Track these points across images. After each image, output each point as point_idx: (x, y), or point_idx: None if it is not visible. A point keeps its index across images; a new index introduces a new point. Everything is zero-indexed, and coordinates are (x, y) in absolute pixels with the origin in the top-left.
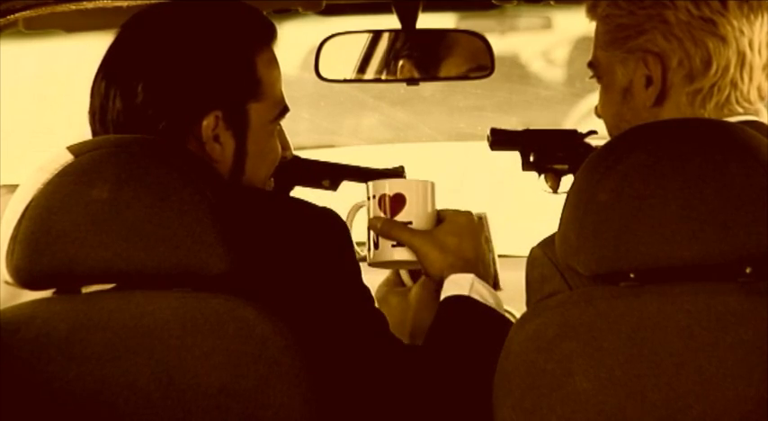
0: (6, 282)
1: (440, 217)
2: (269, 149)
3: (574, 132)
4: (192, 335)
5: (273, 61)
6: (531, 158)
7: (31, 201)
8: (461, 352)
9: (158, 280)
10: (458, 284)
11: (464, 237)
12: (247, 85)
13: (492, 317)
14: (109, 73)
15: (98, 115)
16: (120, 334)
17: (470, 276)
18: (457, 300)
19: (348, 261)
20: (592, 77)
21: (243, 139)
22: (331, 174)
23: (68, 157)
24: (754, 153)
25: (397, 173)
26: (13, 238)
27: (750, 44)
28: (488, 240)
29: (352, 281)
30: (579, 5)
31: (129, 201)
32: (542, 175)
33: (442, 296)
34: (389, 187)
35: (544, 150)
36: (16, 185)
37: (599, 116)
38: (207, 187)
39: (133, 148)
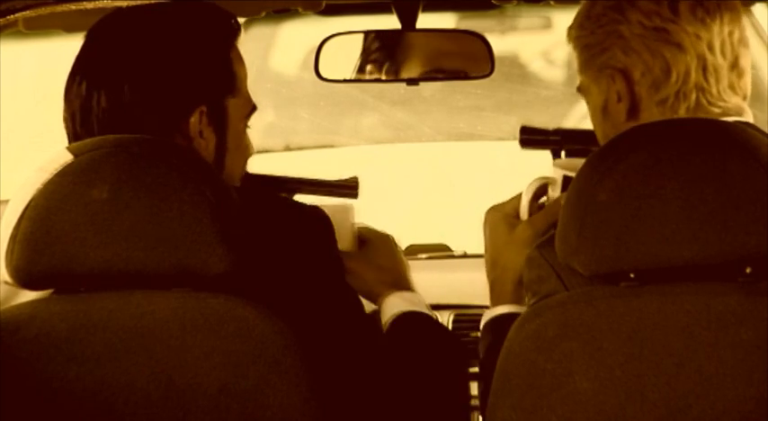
0: (6, 283)
1: (360, 236)
2: (244, 146)
3: None
4: (191, 335)
5: (241, 57)
6: (563, 157)
7: (30, 201)
8: (431, 360)
9: (158, 280)
10: (407, 300)
11: (394, 255)
12: (225, 80)
13: (441, 330)
14: (90, 74)
15: (79, 117)
16: (119, 334)
17: (416, 295)
18: (413, 315)
19: (336, 260)
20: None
21: (223, 135)
22: (283, 189)
23: (68, 157)
24: (754, 153)
25: (351, 185)
26: (13, 238)
27: (710, 47)
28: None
29: (340, 279)
30: (579, 5)
31: (129, 202)
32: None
33: (395, 310)
34: None
35: (576, 150)
36: (6, 201)
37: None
38: (206, 187)
39: (133, 148)
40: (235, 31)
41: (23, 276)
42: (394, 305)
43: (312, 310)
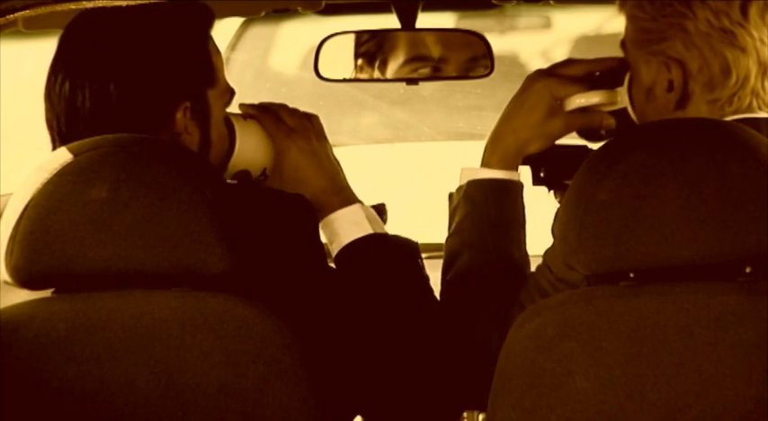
0: (6, 282)
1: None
2: (225, 137)
3: (584, 148)
4: (191, 335)
5: (216, 46)
6: (542, 174)
7: (30, 201)
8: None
9: (157, 279)
10: (352, 222)
11: (303, 167)
12: (205, 72)
13: (400, 245)
14: (73, 74)
15: (64, 118)
16: (119, 333)
17: (353, 209)
18: (369, 242)
19: (321, 246)
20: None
21: (206, 128)
22: None
23: (67, 157)
24: (754, 153)
25: (379, 211)
26: (12, 238)
27: None
28: (323, 137)
29: (324, 264)
30: (579, 5)
31: (128, 201)
32: (552, 191)
33: (345, 240)
34: None
35: (555, 166)
36: (9, 195)
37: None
38: (206, 186)
39: (132, 148)
40: (209, 21)
41: (23, 276)
42: (336, 230)
43: (306, 304)
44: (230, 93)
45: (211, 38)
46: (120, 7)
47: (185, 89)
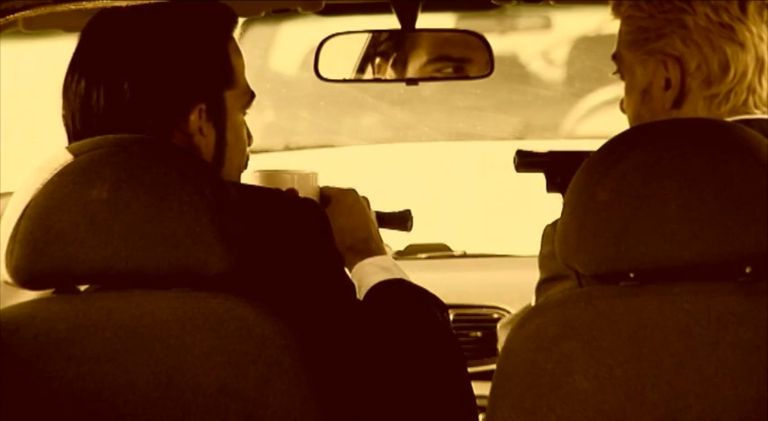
0: (6, 282)
1: (324, 195)
2: (243, 137)
3: None
4: (191, 335)
5: (238, 47)
6: (558, 180)
7: (30, 201)
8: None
9: (157, 279)
10: (379, 267)
11: (354, 213)
12: (223, 74)
13: (421, 294)
14: (88, 72)
15: (79, 116)
16: (119, 333)
17: (385, 258)
18: (394, 283)
19: (333, 252)
20: (615, 73)
21: (222, 129)
22: None
23: (68, 157)
24: (754, 153)
25: (404, 217)
26: (13, 238)
27: None
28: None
29: (338, 272)
30: (579, 5)
31: (128, 201)
32: None
33: (369, 280)
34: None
35: (570, 172)
36: (10, 193)
37: (623, 111)
38: (206, 186)
39: (132, 148)
40: (231, 22)
41: (23, 276)
42: (366, 274)
43: (311, 307)
44: (250, 94)
45: (233, 38)
46: (139, 7)
47: (201, 90)
